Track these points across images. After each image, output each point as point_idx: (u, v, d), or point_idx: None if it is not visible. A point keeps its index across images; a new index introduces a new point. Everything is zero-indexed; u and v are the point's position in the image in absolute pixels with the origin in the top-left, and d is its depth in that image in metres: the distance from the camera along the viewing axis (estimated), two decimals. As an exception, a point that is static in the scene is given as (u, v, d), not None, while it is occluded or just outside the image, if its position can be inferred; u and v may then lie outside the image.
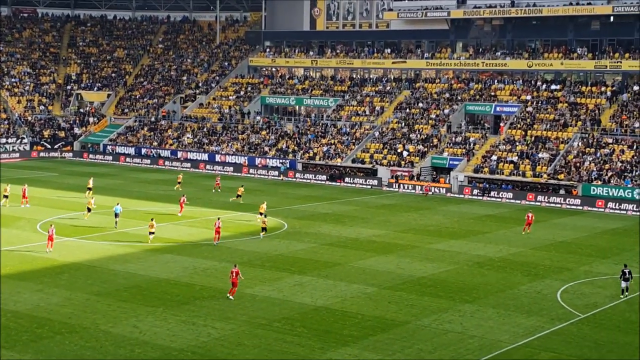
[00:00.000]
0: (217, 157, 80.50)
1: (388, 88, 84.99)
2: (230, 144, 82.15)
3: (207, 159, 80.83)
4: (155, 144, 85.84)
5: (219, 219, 44.71)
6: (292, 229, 48.20)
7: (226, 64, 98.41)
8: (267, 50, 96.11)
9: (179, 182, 63.94)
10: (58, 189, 62.07)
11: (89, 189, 57.43)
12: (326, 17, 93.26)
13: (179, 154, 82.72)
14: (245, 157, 79.17)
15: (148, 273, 36.24)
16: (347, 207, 58.03)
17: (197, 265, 38.06)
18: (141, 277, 35.44)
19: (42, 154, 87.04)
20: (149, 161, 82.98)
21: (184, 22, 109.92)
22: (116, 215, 46.96)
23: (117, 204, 48.48)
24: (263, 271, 37.17)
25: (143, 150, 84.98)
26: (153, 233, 42.95)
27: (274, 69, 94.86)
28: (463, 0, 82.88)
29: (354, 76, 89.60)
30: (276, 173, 74.96)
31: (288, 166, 75.96)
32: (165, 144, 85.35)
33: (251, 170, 76.92)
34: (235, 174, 76.63)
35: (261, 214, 48.54)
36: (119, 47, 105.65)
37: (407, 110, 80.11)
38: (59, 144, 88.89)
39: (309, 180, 73.36)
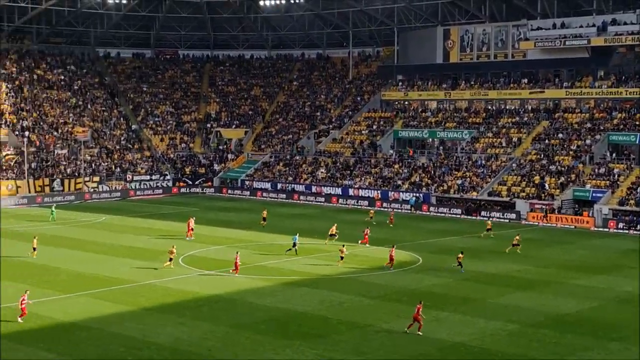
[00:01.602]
0: (351, 191, 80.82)
1: (525, 119, 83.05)
2: (363, 178, 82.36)
3: (340, 193, 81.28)
4: (290, 178, 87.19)
5: (394, 246, 46.54)
6: (427, 263, 47.50)
7: (359, 98, 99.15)
8: (400, 83, 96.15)
9: (371, 217, 65.60)
10: (199, 224, 63.71)
11: (264, 219, 62.84)
12: (460, 48, 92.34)
13: (313, 189, 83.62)
14: (378, 191, 79.08)
15: (285, 306, 36.49)
16: (484, 242, 56.70)
17: (333, 298, 38.01)
18: (278, 310, 35.70)
19: (183, 190, 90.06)
20: (284, 195, 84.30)
21: (317, 59, 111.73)
22: (294, 244, 49.49)
23: (296, 234, 50.58)
24: (399, 305, 36.68)
25: (279, 185, 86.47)
26: (343, 258, 45.81)
27: (406, 103, 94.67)
28: (604, 28, 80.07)
29: (490, 107, 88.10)
30: (409, 206, 74.34)
31: (422, 199, 75.18)
32: (300, 179, 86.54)
33: (384, 204, 76.65)
34: (369, 207, 76.52)
35: (489, 229, 58.05)
36: (255, 85, 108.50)
37: (546, 141, 77.90)
38: (200, 180, 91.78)
39: (443, 214, 72.34)
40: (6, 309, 35.27)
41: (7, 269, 44.61)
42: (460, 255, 45.49)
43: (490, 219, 66.71)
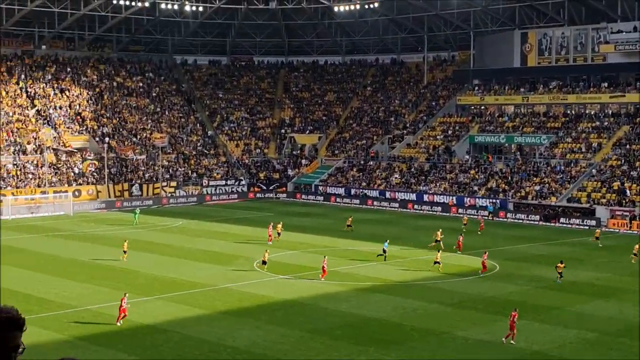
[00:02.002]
0: (425, 197, 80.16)
1: (606, 123, 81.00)
2: (438, 184, 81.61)
3: (415, 199, 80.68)
4: (364, 184, 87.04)
5: (486, 252, 46.75)
6: (504, 271, 46.71)
7: (434, 103, 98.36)
8: (476, 88, 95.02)
9: (465, 224, 64.21)
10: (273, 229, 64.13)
11: (349, 225, 62.49)
12: (537, 52, 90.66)
13: (387, 194, 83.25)
14: (454, 197, 78.22)
15: (359, 312, 36.35)
16: (563, 249, 55.46)
17: (407, 305, 37.71)
18: (352, 316, 35.59)
19: (258, 195, 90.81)
20: (357, 201, 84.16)
21: (392, 64, 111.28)
22: (384, 250, 48.98)
23: (386, 241, 50.29)
24: (475, 313, 36.16)
25: (352, 191, 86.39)
26: (438, 262, 45.52)
27: (482, 107, 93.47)
28: (688, 29, 77.64)
29: (569, 112, 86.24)
30: (486, 213, 73.24)
31: (499, 206, 74.02)
32: (373, 184, 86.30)
33: (459, 210, 75.75)
34: (443, 213, 75.82)
35: (597, 238, 55.68)
36: (329, 91, 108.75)
37: (627, 146, 75.82)
38: (274, 185, 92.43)
39: (520, 221, 71.08)
40: (86, 311, 36.11)
41: (87, 271, 45.71)
42: (559, 264, 44.16)
43: (592, 227, 65.19)
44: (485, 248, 51.66)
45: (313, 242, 56.82)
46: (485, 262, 45.61)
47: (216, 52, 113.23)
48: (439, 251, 48.03)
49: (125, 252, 48.73)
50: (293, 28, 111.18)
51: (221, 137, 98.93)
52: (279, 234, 57.37)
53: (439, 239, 53.89)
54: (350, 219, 64.73)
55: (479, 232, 62.47)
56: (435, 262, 45.89)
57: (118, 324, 33.25)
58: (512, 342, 30.90)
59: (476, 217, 73.10)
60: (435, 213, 76.56)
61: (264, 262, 45.72)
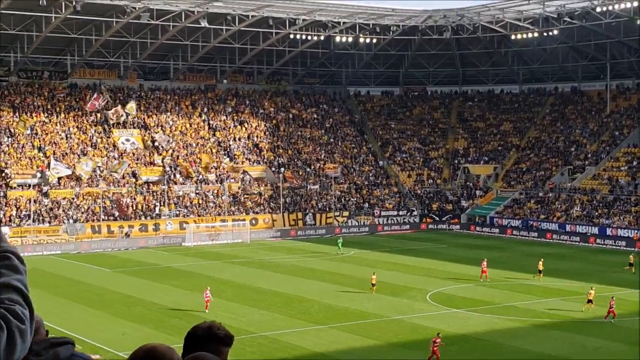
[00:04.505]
0: (608, 231, 76.14)
1: None
2: (622, 217, 77.33)
3: (597, 233, 76.80)
4: (542, 216, 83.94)
5: None
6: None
7: (617, 133, 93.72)
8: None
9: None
10: (446, 261, 63.08)
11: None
12: None
13: (567, 227, 79.80)
14: (638, 231, 73.78)
15: (536, 348, 34.76)
16: None
17: (587, 343, 35.71)
18: (528, 353, 34.10)
19: (430, 226, 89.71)
20: (536, 234, 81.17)
21: (572, 92, 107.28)
22: None
23: None
24: (666, 356, 33.57)
25: (530, 223, 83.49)
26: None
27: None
28: None
29: None
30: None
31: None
32: (552, 217, 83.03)
33: (646, 245, 71.32)
34: (628, 248, 71.65)
35: None
36: (505, 121, 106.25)
37: None
38: (447, 217, 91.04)
39: None
40: (262, 337, 36.67)
41: (263, 298, 46.62)
42: None
43: None
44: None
45: (490, 276, 55.04)
46: None
47: (389, 83, 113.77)
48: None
49: (373, 284, 47.88)
50: (467, 57, 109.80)
51: (393, 167, 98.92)
52: (540, 271, 53.01)
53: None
54: (632, 257, 59.12)
55: None
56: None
57: None
58: None
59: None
60: (619, 248, 72.51)
61: (589, 301, 42.44)
